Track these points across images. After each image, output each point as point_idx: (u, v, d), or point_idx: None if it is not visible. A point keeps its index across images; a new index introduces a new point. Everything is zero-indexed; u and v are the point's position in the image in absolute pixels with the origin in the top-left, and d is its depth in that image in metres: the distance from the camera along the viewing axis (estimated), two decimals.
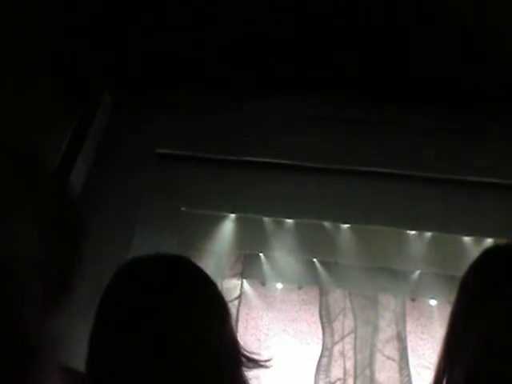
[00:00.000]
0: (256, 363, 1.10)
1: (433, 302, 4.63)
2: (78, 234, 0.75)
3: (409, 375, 4.57)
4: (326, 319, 4.79)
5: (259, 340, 4.70)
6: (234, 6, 3.00)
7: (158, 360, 0.98)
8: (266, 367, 1.11)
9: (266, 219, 4.01)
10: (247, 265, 4.59)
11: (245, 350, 1.10)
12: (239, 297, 4.69)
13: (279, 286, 4.83)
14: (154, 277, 1.10)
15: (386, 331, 4.71)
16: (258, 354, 1.10)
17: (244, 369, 1.08)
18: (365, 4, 2.97)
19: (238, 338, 1.11)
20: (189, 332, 1.02)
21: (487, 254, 1.12)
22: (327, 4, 2.99)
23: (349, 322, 4.76)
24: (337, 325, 4.78)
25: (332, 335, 4.75)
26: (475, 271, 1.10)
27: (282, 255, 4.21)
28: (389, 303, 4.74)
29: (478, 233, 3.61)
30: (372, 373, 4.61)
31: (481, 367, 0.98)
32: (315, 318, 4.83)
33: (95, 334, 1.05)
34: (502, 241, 1.17)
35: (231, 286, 4.52)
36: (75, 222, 0.75)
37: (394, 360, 4.63)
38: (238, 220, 3.98)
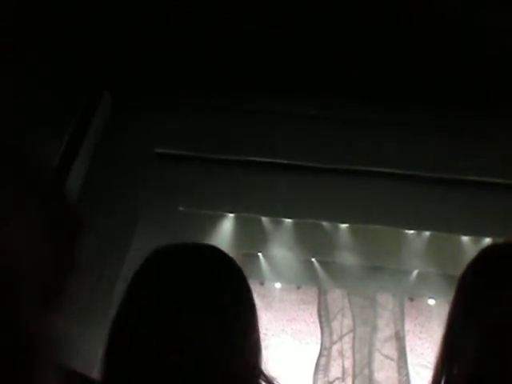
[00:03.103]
0: None
1: (431, 302, 4.63)
2: (78, 234, 0.75)
3: (407, 374, 4.58)
4: (325, 319, 4.80)
5: None
6: (234, 6, 3.00)
7: (172, 360, 0.97)
8: None
9: (264, 219, 4.02)
10: (246, 264, 4.59)
11: (266, 370, 1.05)
12: None
13: (278, 285, 4.83)
14: (184, 270, 1.05)
15: (385, 331, 4.72)
16: (278, 381, 1.06)
17: None
18: (365, 4, 2.97)
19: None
20: (209, 338, 0.99)
21: (485, 253, 1.13)
22: (327, 4, 2.99)
23: (347, 322, 4.77)
24: (335, 324, 4.78)
25: (331, 335, 4.76)
26: (473, 270, 1.10)
27: (280, 255, 4.22)
28: (387, 303, 4.75)
29: (477, 232, 3.62)
30: (371, 372, 4.62)
31: (479, 367, 0.98)
32: (314, 318, 4.84)
33: (116, 323, 1.03)
34: (500, 240, 1.17)
35: None
36: (74, 222, 0.76)
37: (392, 359, 4.64)
38: (236, 220, 3.99)
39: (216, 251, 1.14)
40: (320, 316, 4.81)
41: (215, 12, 3.08)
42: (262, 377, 1.05)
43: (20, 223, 0.65)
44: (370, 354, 4.66)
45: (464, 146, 3.47)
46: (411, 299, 4.77)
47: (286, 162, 3.58)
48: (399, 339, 4.69)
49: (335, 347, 4.73)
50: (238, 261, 1.15)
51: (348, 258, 4.08)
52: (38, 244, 0.66)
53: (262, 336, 1.07)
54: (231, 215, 3.97)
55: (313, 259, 4.44)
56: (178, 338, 0.99)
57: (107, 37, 3.16)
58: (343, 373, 4.65)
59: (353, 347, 4.69)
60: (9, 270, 0.61)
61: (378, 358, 4.65)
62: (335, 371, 4.67)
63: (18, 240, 0.64)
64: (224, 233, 3.97)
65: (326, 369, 4.67)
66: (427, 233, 3.91)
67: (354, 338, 4.72)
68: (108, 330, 1.03)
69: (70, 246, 0.73)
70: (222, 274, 1.09)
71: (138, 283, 1.07)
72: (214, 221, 3.98)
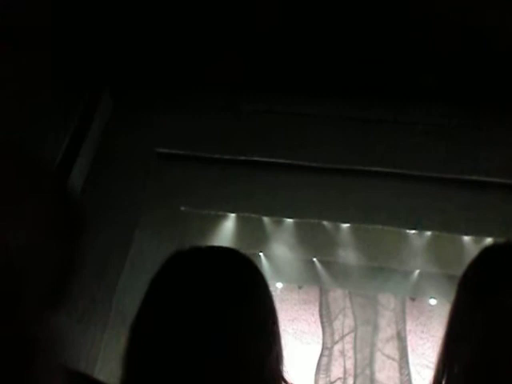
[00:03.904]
0: None
1: (432, 301, 4.64)
2: (79, 233, 0.75)
3: (409, 374, 4.58)
4: (326, 319, 4.80)
5: None
6: (234, 6, 3.00)
7: (190, 364, 0.97)
8: None
9: (265, 219, 4.02)
10: None
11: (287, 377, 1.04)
12: None
13: (279, 285, 4.83)
14: (202, 275, 1.04)
15: (386, 330, 4.71)
16: None
17: None
18: (365, 4, 2.97)
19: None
20: (227, 341, 0.99)
21: (486, 252, 1.12)
22: (327, 4, 2.99)
23: (349, 322, 4.77)
24: (337, 324, 4.78)
25: (332, 334, 4.76)
26: (474, 270, 1.10)
27: (282, 255, 4.22)
28: (389, 302, 4.75)
29: (478, 232, 3.61)
30: (372, 372, 4.62)
31: (480, 366, 0.98)
32: (315, 318, 4.84)
33: (135, 327, 1.02)
34: (502, 240, 1.16)
35: None
36: (76, 222, 0.76)
37: (393, 359, 4.64)
38: (237, 219, 3.99)
39: (236, 254, 1.11)
40: (321, 316, 4.81)
41: (215, 12, 3.08)
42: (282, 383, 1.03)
43: (23, 223, 0.65)
44: (372, 354, 4.66)
45: (464, 146, 3.47)
46: (412, 299, 4.77)
47: (286, 161, 3.58)
48: (400, 339, 4.69)
49: (337, 347, 4.73)
50: None
51: (349, 257, 4.08)
52: (41, 244, 0.66)
53: (283, 343, 1.06)
54: (232, 215, 3.97)
55: (314, 259, 4.45)
56: (194, 343, 0.97)
57: (107, 37, 3.16)
58: (344, 373, 4.65)
59: (354, 347, 4.69)
60: (11, 269, 0.61)
61: (379, 358, 4.65)
62: (336, 371, 4.67)
63: (21, 240, 0.64)
64: (225, 233, 3.98)
65: (328, 369, 4.67)
66: (428, 233, 3.91)
67: (355, 337, 4.72)
68: (127, 332, 1.02)
69: (72, 246, 0.73)
70: (243, 279, 1.07)
71: (156, 288, 1.06)
72: (215, 221, 3.98)
